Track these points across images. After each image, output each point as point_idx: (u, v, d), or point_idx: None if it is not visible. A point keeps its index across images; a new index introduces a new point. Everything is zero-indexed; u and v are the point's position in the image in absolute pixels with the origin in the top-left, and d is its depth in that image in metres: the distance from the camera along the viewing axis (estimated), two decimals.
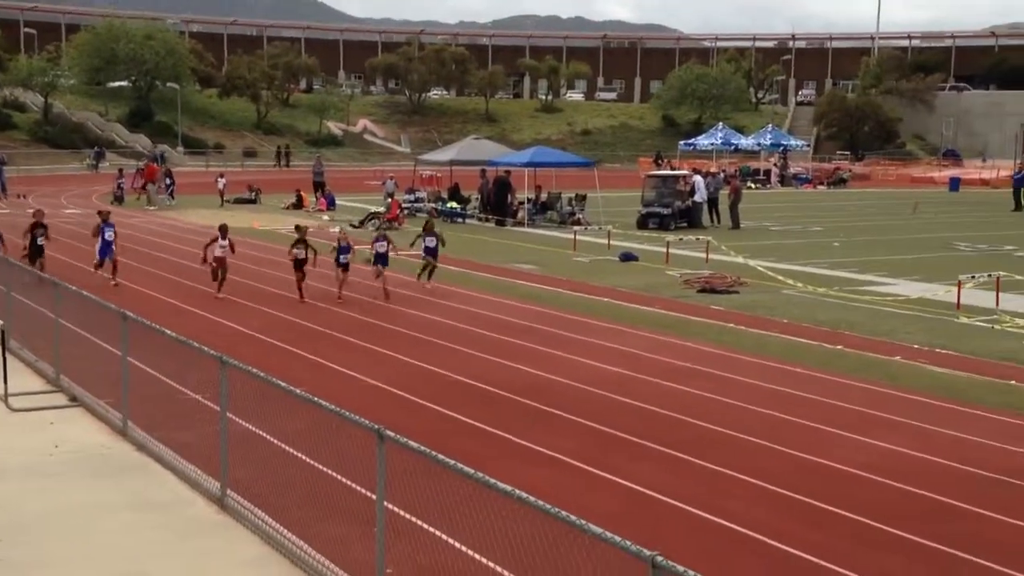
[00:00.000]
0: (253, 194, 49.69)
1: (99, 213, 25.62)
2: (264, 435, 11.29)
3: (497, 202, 41.05)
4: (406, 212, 41.43)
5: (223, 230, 22.79)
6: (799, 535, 9.66)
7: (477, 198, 42.99)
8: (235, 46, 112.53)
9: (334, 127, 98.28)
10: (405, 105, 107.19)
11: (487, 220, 40.59)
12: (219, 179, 49.58)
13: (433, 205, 43.26)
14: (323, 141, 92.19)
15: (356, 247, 23.91)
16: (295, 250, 22.14)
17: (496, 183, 41.41)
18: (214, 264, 22.58)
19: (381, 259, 22.71)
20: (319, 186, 50.15)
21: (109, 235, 23.98)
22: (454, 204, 43.10)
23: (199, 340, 11.96)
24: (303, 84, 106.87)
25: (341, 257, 22.35)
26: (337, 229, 37.94)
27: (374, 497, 7.93)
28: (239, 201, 48.71)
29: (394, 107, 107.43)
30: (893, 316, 21.39)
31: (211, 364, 10.52)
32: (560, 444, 12.38)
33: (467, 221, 41.56)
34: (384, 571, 7.79)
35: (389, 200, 41.62)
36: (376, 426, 7.84)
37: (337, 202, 46.70)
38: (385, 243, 22.97)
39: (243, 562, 9.00)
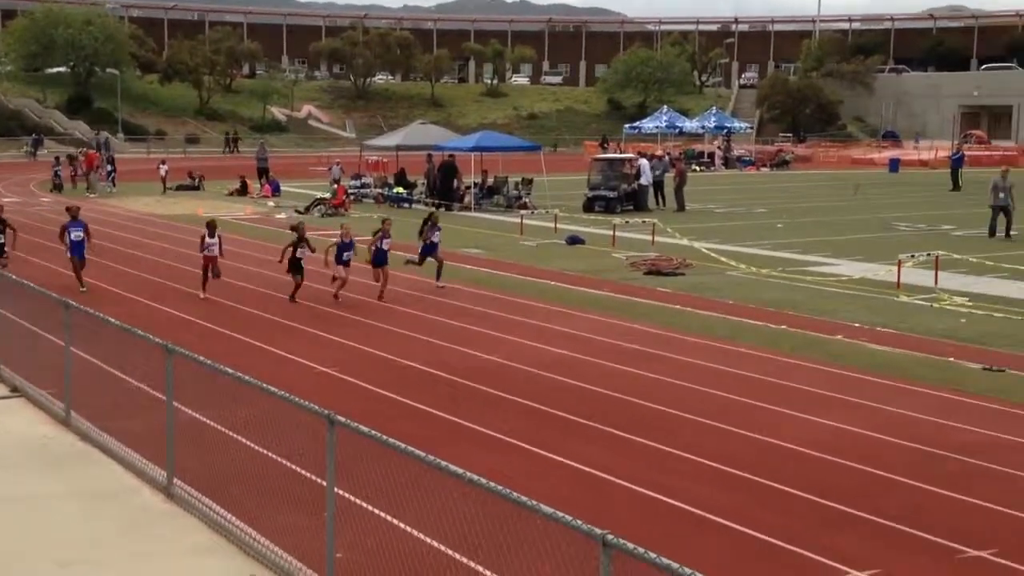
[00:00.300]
0: (196, 181, 49.22)
1: (68, 210, 22.26)
2: (211, 423, 11.23)
3: (443, 187, 40.96)
4: (352, 198, 41.24)
5: (211, 227, 20.99)
6: (747, 513, 9.79)
7: (424, 183, 42.86)
8: (176, 31, 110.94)
9: (278, 113, 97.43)
10: (350, 90, 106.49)
11: (434, 205, 40.50)
12: (161, 166, 48.98)
13: (380, 190, 43.11)
14: (267, 127, 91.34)
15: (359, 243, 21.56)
16: (298, 251, 20.34)
17: (442, 168, 41.32)
18: (203, 264, 21.07)
19: (383, 257, 20.86)
20: (263, 172, 49.73)
21: (77, 235, 21.17)
22: (400, 189, 42.93)
23: (145, 328, 11.86)
24: (246, 69, 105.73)
25: (344, 255, 20.47)
26: (287, 215, 37.72)
27: (324, 483, 7.92)
28: (181, 188, 48.21)
29: (339, 92, 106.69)
30: (835, 296, 21.67)
31: (157, 352, 10.44)
32: (510, 427, 12.43)
33: (414, 206, 41.41)
34: (334, 556, 7.79)
35: (335, 186, 41.39)
36: (326, 411, 7.83)
37: (282, 188, 46.35)
38: (388, 240, 20.99)
39: (190, 551, 8.95)
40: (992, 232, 30.80)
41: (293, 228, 21.33)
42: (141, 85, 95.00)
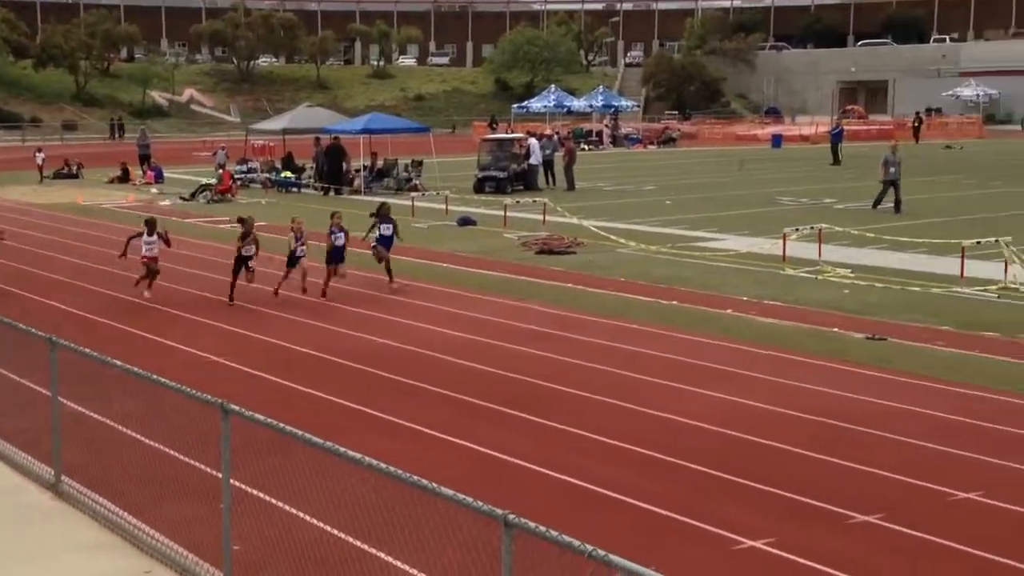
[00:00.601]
0: (74, 168, 47.87)
1: None
2: (99, 417, 10.96)
3: (331, 170, 40.50)
4: (239, 183, 40.57)
5: (151, 225, 19.26)
6: (644, 488, 9.92)
7: (312, 167, 42.35)
8: (49, 14, 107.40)
9: (159, 97, 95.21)
10: (233, 73, 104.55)
11: (323, 189, 40.06)
12: (37, 154, 47.47)
13: (267, 175, 42.48)
14: (148, 112, 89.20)
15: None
16: (242, 247, 18.82)
17: (328, 151, 40.86)
18: (144, 263, 19.24)
19: (338, 254, 19.49)
20: (145, 159, 48.56)
21: None
22: (288, 173, 42.37)
23: (28, 322, 11.50)
24: (124, 53, 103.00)
25: (298, 250, 19.10)
26: (171, 202, 36.92)
27: (219, 474, 7.78)
28: (59, 176, 46.85)
29: (222, 75, 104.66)
30: (723, 270, 22.06)
31: (41, 346, 10.12)
32: (411, 412, 12.37)
33: (303, 191, 40.94)
34: (231, 548, 7.67)
35: (220, 171, 40.63)
36: (219, 400, 7.68)
37: (165, 174, 45.37)
38: (343, 235, 19.47)
39: (81, 548, 8.72)
40: (876, 204, 31.45)
41: (240, 221, 19.65)
42: (14, 71, 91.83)
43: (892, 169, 31.26)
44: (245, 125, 60.54)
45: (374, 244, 20.25)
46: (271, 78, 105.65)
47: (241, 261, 18.84)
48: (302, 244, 19.16)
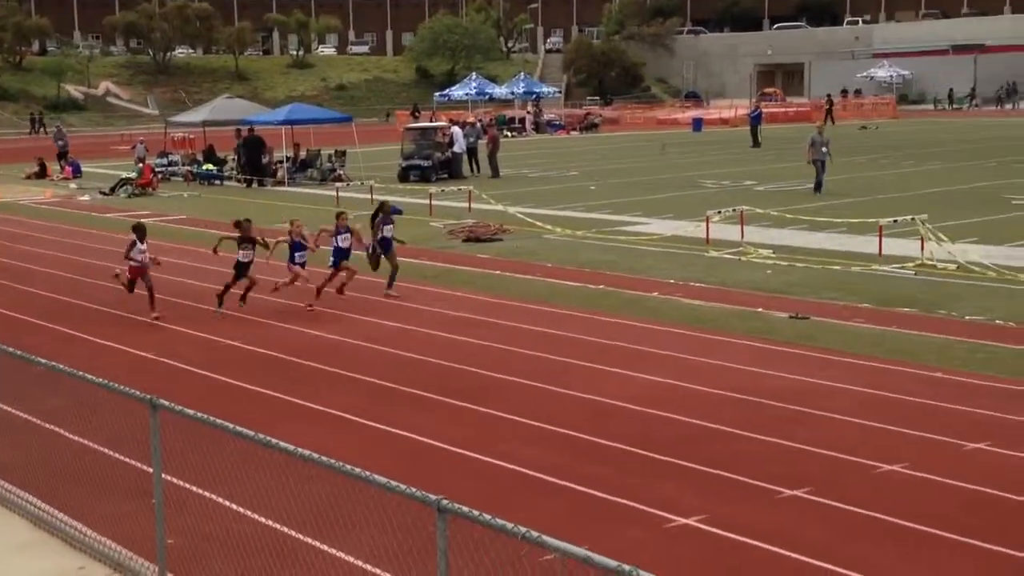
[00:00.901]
0: None
1: None
2: (26, 416, 10.79)
3: (251, 162, 40.17)
4: (160, 176, 40.02)
5: (140, 231, 17.10)
6: (578, 471, 10.04)
7: (234, 159, 41.90)
8: None
9: (74, 91, 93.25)
10: (149, 65, 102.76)
11: (245, 181, 39.70)
12: None
13: (188, 168, 41.93)
14: (63, 105, 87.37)
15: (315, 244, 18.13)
16: (240, 252, 17.20)
17: (246, 143, 40.51)
18: (129, 276, 17.27)
19: (343, 255, 17.89)
20: (62, 154, 47.63)
21: None
22: (210, 166, 41.88)
23: None
24: (36, 46, 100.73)
25: (297, 256, 17.50)
26: (90, 197, 36.28)
27: (150, 470, 7.74)
28: None
29: (138, 68, 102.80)
30: (649, 254, 22.31)
31: None
32: (342, 402, 12.37)
33: (225, 183, 40.50)
34: (166, 543, 7.64)
35: (141, 165, 40.01)
36: (148, 396, 7.63)
37: (84, 169, 44.59)
38: (350, 236, 17.87)
39: (14, 548, 8.61)
40: (818, 186, 31.41)
41: (236, 224, 17.48)
42: None
43: (824, 149, 31.63)
44: (164, 117, 59.59)
45: (372, 248, 18.78)
46: (188, 69, 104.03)
47: (240, 268, 17.30)
48: (308, 249, 17.54)
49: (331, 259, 17.92)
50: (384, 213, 18.79)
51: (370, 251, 18.90)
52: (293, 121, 41.71)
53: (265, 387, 13.09)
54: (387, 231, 18.71)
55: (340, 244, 17.79)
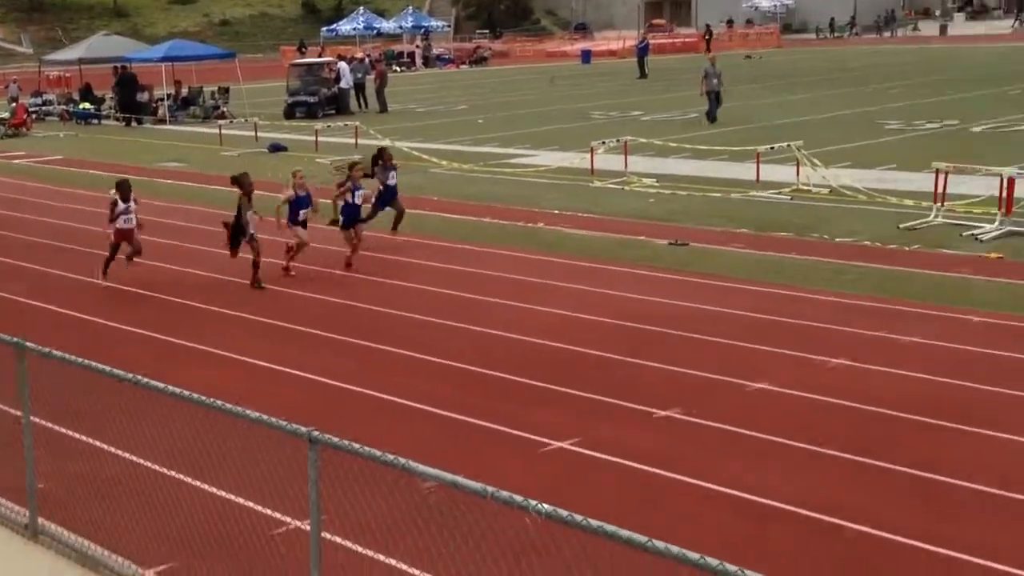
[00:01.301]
0: None
1: None
2: None
3: (125, 100, 39.17)
4: (34, 116, 38.81)
5: (125, 188, 14.98)
6: (459, 400, 10.14)
7: (113, 98, 40.78)
8: None
9: None
10: (23, 2, 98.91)
11: (124, 120, 38.70)
12: None
13: (64, 107, 40.70)
14: None
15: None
16: (245, 214, 14.65)
17: (120, 81, 39.50)
18: (114, 240, 15.18)
19: (354, 213, 15.85)
20: None
21: None
22: (87, 105, 40.69)
23: None
24: None
25: (300, 213, 15.27)
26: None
27: (19, 413, 7.62)
28: None
29: (11, 5, 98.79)
30: (536, 185, 22.42)
31: None
32: (235, 343, 12.26)
33: (103, 122, 39.43)
34: (36, 487, 7.55)
35: (14, 105, 38.72)
36: (14, 339, 7.49)
37: None
38: (362, 191, 15.97)
39: None
40: (712, 118, 31.67)
41: (234, 181, 14.87)
42: None
43: (715, 80, 31.91)
44: (38, 56, 57.48)
45: (378, 194, 17.55)
46: (64, 6, 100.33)
47: (238, 230, 14.75)
48: (310, 208, 15.39)
49: (341, 219, 15.77)
50: (384, 160, 17.68)
51: (375, 200, 17.61)
52: (173, 58, 40.70)
53: (150, 329, 12.91)
54: (391, 179, 17.66)
55: (356, 200, 15.76)
